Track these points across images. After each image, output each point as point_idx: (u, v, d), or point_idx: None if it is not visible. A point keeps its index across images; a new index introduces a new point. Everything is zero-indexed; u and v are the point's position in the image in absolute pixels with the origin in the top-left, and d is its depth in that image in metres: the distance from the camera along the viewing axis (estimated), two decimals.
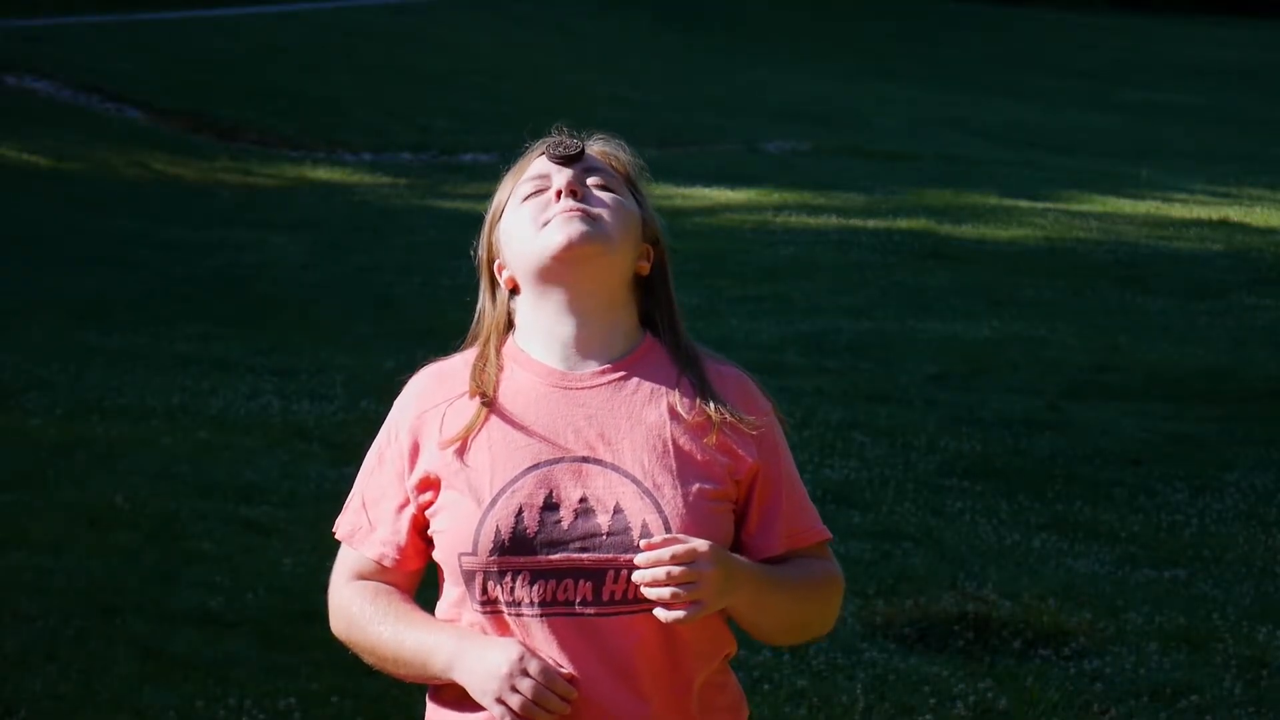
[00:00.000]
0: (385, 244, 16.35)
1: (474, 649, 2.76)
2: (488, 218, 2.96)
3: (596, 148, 2.95)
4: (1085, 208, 19.44)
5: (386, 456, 2.89)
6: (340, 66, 27.96)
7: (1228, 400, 11.53)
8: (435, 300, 13.74)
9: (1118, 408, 11.24)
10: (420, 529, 2.86)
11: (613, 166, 2.93)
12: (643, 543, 2.71)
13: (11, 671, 6.21)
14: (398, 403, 2.91)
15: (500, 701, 2.72)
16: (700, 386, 2.84)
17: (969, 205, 19.13)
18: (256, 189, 19.48)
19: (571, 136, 2.93)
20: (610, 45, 34.70)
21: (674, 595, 2.68)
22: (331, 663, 6.32)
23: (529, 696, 2.70)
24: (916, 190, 20.09)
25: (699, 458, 2.80)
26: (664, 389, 2.84)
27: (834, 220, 18.15)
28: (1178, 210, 19.63)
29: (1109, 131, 28.42)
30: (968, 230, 17.82)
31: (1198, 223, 18.70)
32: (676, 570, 2.68)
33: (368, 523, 2.90)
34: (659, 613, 2.71)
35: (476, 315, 2.94)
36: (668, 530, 2.75)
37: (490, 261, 2.94)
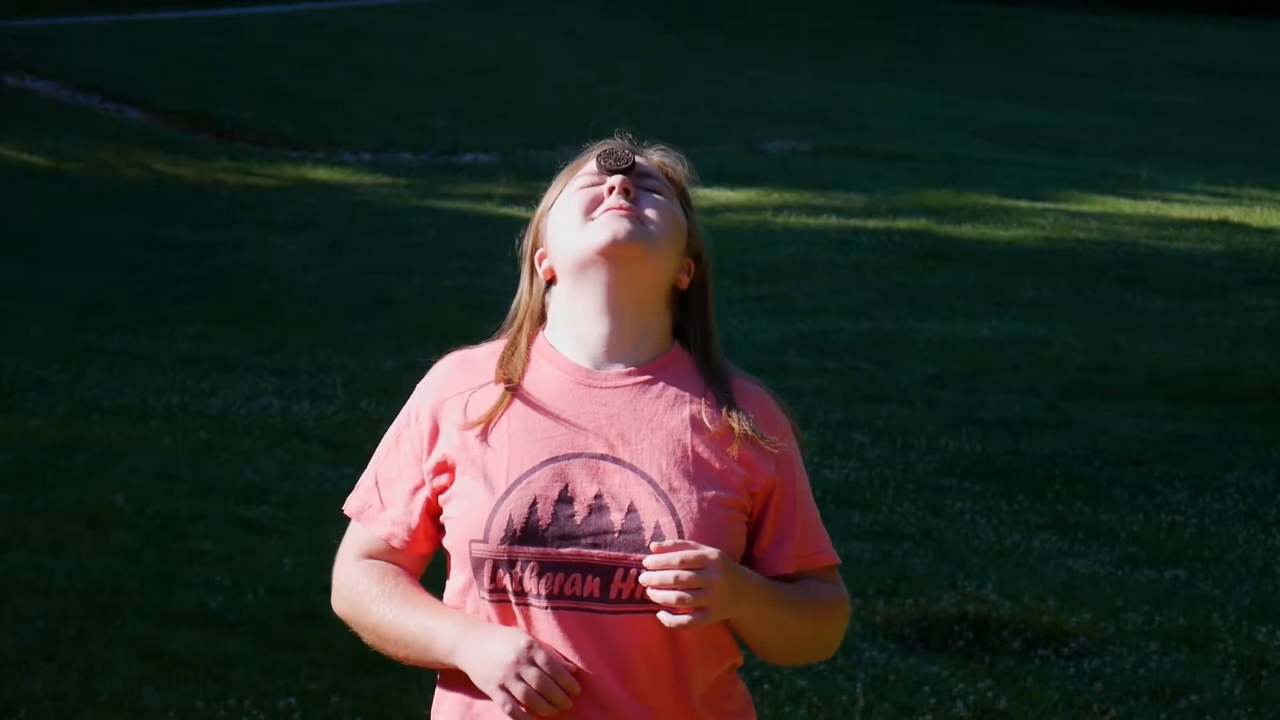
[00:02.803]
0: (385, 244, 16.35)
1: (479, 636, 2.76)
2: (539, 209, 2.96)
3: (655, 157, 2.97)
4: (1085, 208, 19.45)
5: (404, 438, 2.89)
6: (340, 66, 27.96)
7: (1228, 400, 11.53)
8: (435, 300, 13.75)
9: (1118, 408, 11.25)
10: (433, 513, 2.87)
11: (669, 177, 2.95)
12: (653, 545, 2.72)
13: (11, 671, 6.21)
14: (420, 386, 2.92)
15: (503, 689, 2.73)
16: (724, 399, 2.86)
17: (969, 205, 19.13)
18: (256, 189, 19.48)
19: (632, 145, 2.95)
20: (610, 45, 34.69)
21: (680, 600, 2.69)
22: (331, 663, 6.33)
23: (533, 686, 2.71)
24: (916, 190, 20.10)
25: (716, 466, 2.81)
26: (688, 397, 2.85)
27: (834, 220, 18.16)
28: (1178, 210, 19.64)
29: (1109, 131, 28.42)
30: (968, 230, 17.82)
31: (1198, 223, 18.71)
32: (685, 575, 2.69)
33: (379, 501, 2.90)
34: (663, 616, 2.71)
35: (514, 304, 2.95)
36: (680, 533, 2.76)
37: (534, 250, 2.94)
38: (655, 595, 2.70)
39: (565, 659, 2.75)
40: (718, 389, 2.86)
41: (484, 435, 2.82)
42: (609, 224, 2.84)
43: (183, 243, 15.92)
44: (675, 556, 2.70)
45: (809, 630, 2.87)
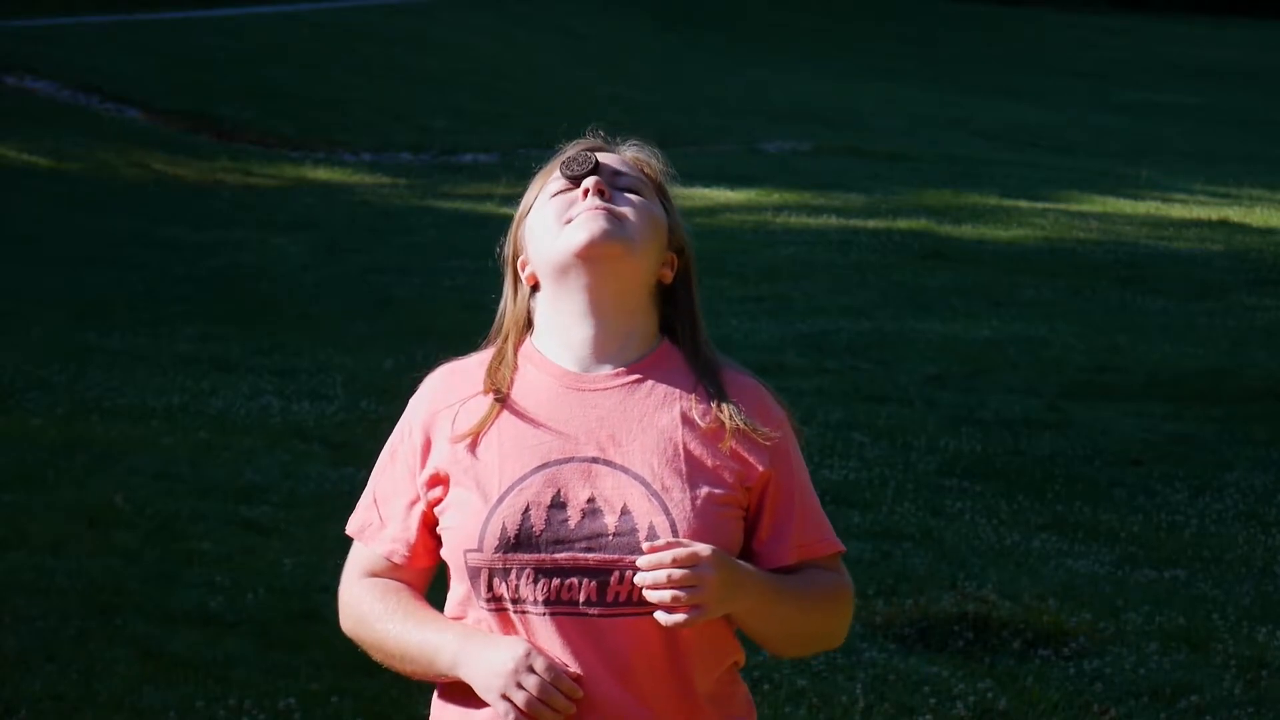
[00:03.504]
0: (385, 244, 16.35)
1: (480, 646, 2.76)
2: (516, 215, 2.95)
3: (630, 153, 2.96)
4: (1085, 208, 19.45)
5: (399, 453, 2.90)
6: (340, 66, 27.96)
7: (1228, 400, 11.53)
8: (435, 300, 13.75)
9: (1118, 408, 11.24)
10: (430, 526, 2.87)
11: (644, 173, 2.94)
12: (645, 545, 2.71)
13: (11, 671, 6.20)
14: (412, 401, 2.92)
15: (505, 698, 2.72)
16: (715, 394, 2.84)
17: (969, 205, 19.13)
18: (256, 189, 19.48)
19: (605, 142, 2.95)
20: (610, 45, 34.69)
21: (674, 598, 2.68)
22: (331, 663, 6.33)
23: (534, 694, 2.71)
24: (916, 190, 20.10)
25: (709, 463, 2.80)
26: (678, 394, 2.84)
27: (834, 220, 18.15)
28: (1178, 210, 19.64)
29: (1109, 131, 28.42)
30: (968, 230, 17.82)
31: (1198, 223, 18.71)
32: (678, 574, 2.68)
33: (378, 519, 2.91)
34: (659, 615, 2.71)
35: (499, 313, 2.95)
36: (674, 532, 2.75)
37: (515, 258, 2.93)
38: (650, 595, 2.70)
39: (565, 665, 2.74)
40: (708, 383, 2.85)
41: (474, 446, 2.82)
42: (585, 225, 2.83)
43: (183, 243, 15.92)
44: (667, 555, 2.69)
45: (812, 620, 2.86)
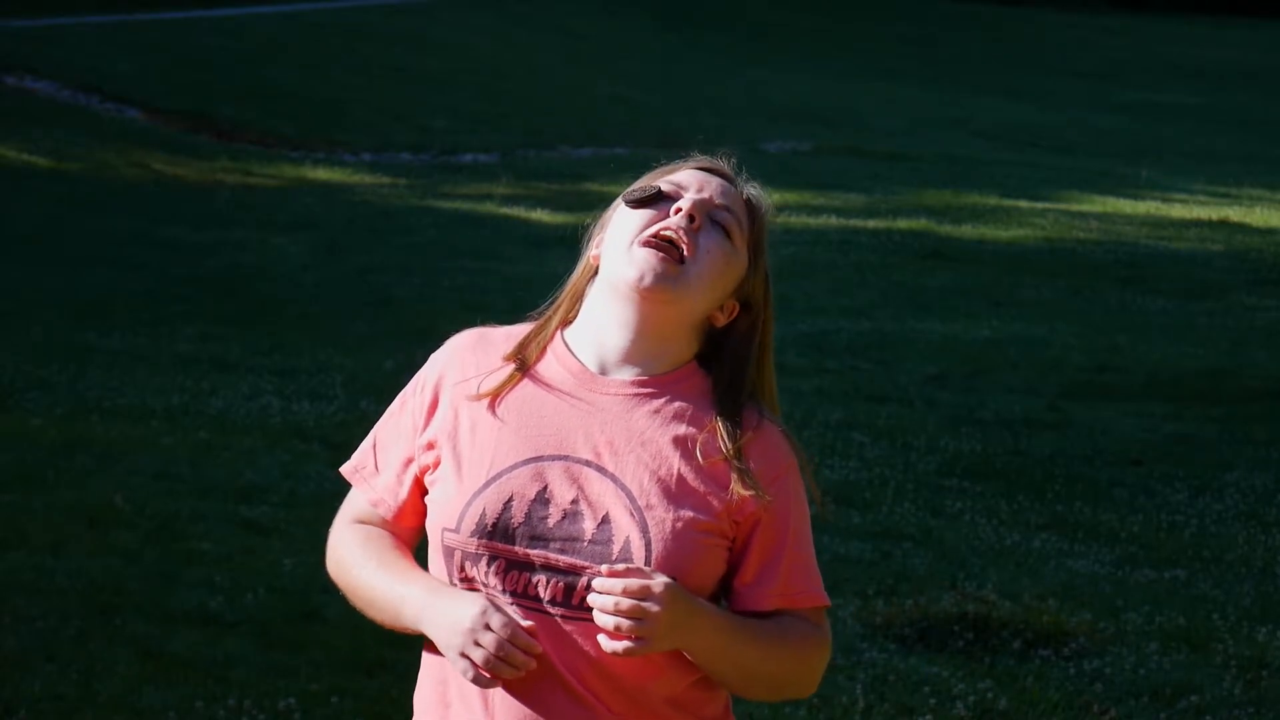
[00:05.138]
0: (385, 244, 16.35)
1: (441, 603, 2.76)
2: (619, 197, 2.91)
3: (747, 192, 2.93)
4: (1085, 208, 19.46)
5: (408, 406, 2.91)
6: (340, 66, 27.96)
7: (1228, 400, 11.54)
8: (435, 300, 13.75)
9: (1118, 408, 11.25)
10: (423, 491, 2.88)
11: (749, 217, 2.90)
12: (604, 568, 2.70)
13: (11, 671, 6.21)
14: (433, 356, 2.92)
15: (464, 656, 2.72)
16: (723, 427, 2.80)
17: (969, 205, 19.14)
18: (256, 189, 19.48)
19: (730, 169, 2.93)
20: (610, 45, 34.69)
21: (616, 626, 2.67)
22: (331, 663, 6.33)
23: (492, 651, 2.70)
24: (916, 190, 20.11)
25: (699, 489, 2.78)
26: (687, 419, 2.82)
27: (834, 220, 18.16)
28: (1178, 210, 19.65)
29: (1109, 131, 28.43)
30: (968, 230, 17.83)
31: (1198, 223, 18.72)
32: (625, 603, 2.67)
33: (373, 465, 2.93)
34: (601, 639, 2.70)
35: (565, 281, 2.92)
36: (648, 552, 2.74)
37: (596, 234, 2.91)
38: (597, 618, 2.69)
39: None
40: (721, 415, 2.81)
41: (475, 421, 2.82)
42: (642, 264, 2.80)
43: (183, 243, 15.92)
44: (619, 583, 2.68)
45: (775, 668, 2.82)
